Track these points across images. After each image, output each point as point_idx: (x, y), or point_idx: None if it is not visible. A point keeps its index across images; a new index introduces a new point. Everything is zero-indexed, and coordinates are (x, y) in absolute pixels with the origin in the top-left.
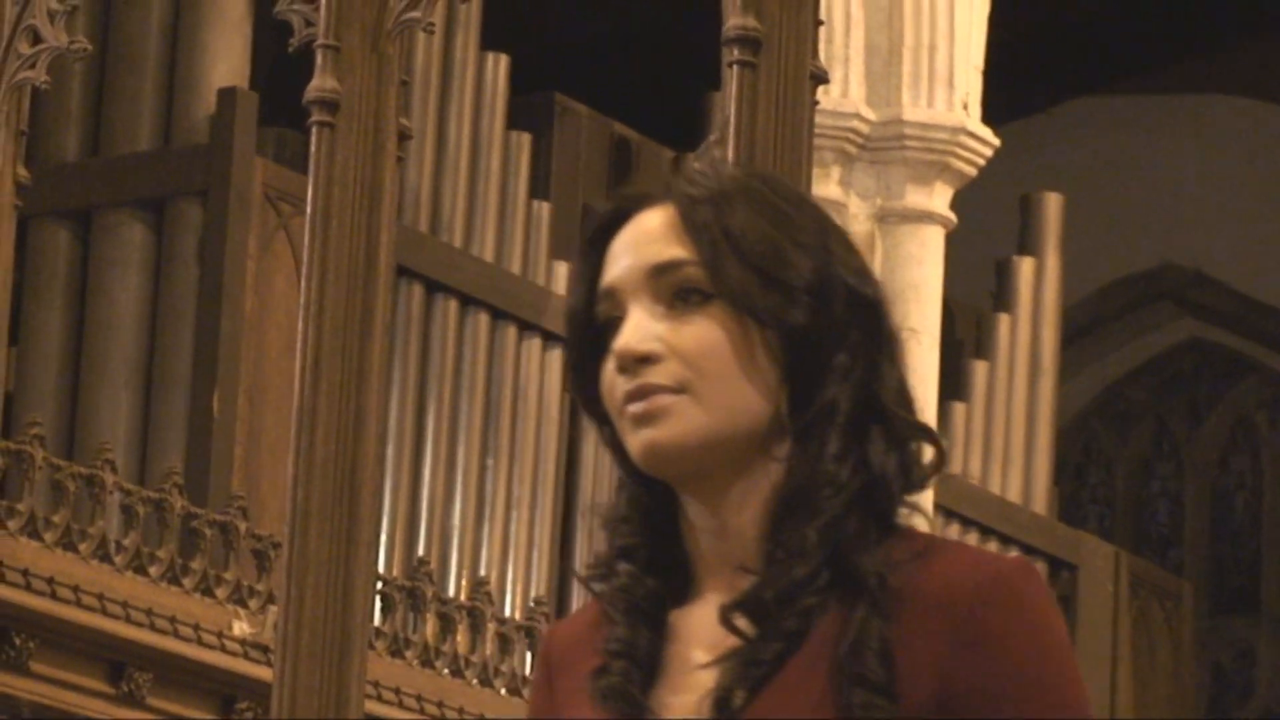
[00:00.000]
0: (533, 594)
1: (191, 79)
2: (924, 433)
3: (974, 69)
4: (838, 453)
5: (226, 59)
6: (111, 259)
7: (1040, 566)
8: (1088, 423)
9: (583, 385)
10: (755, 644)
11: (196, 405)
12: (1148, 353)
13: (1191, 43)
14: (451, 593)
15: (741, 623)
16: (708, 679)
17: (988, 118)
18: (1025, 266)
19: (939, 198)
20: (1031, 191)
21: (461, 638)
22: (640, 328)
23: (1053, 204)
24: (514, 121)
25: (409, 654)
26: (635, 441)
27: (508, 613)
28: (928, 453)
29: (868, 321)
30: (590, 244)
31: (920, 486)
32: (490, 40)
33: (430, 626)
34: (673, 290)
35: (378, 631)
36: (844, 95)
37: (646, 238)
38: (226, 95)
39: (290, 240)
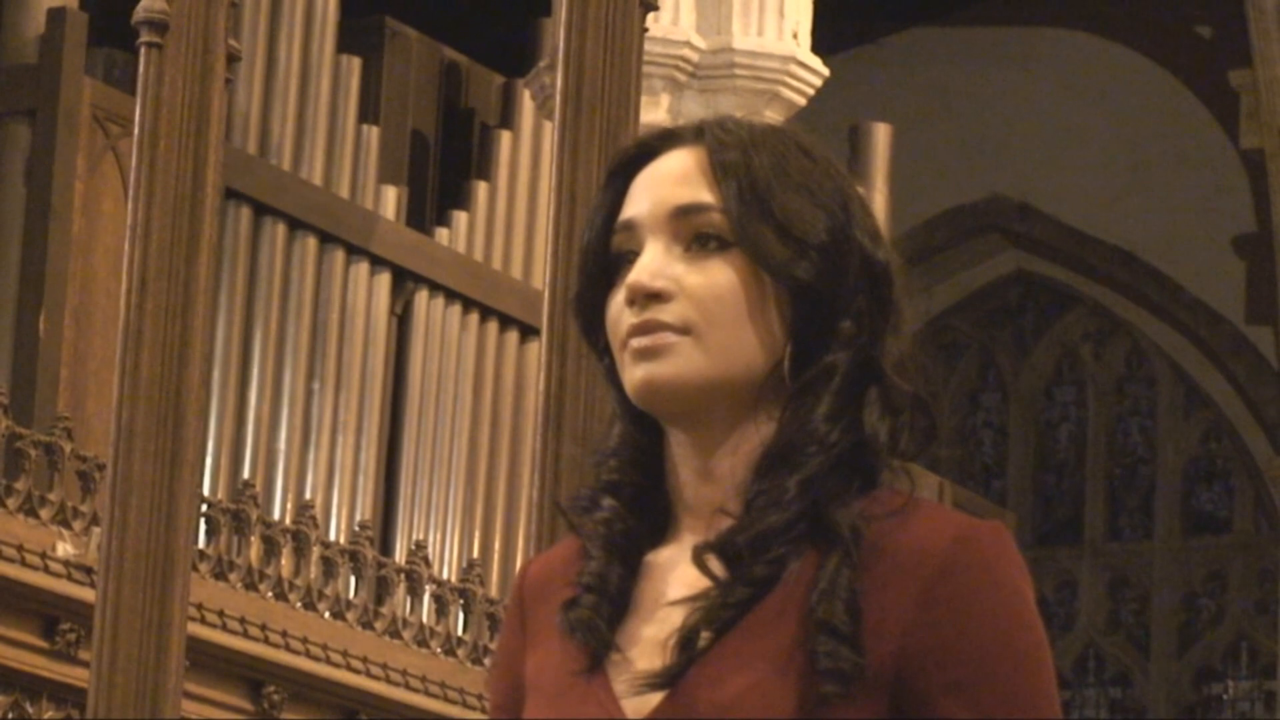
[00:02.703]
0: (358, 518)
1: None
2: (919, 405)
3: None
4: (829, 413)
5: None
6: None
7: None
8: (914, 353)
9: (586, 314)
10: (725, 587)
11: (23, 325)
12: (974, 284)
13: None
14: (276, 516)
15: (713, 564)
16: (677, 616)
17: (817, 47)
18: None
19: None
20: (860, 122)
21: (286, 561)
22: (655, 264)
23: (881, 135)
24: (344, 45)
25: (233, 576)
26: (633, 374)
27: (332, 536)
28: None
29: (877, 289)
30: (612, 175)
31: (908, 456)
32: None
33: (254, 549)
34: (693, 233)
35: (201, 554)
36: (674, 23)
37: (674, 178)
38: (56, 15)
39: (118, 161)
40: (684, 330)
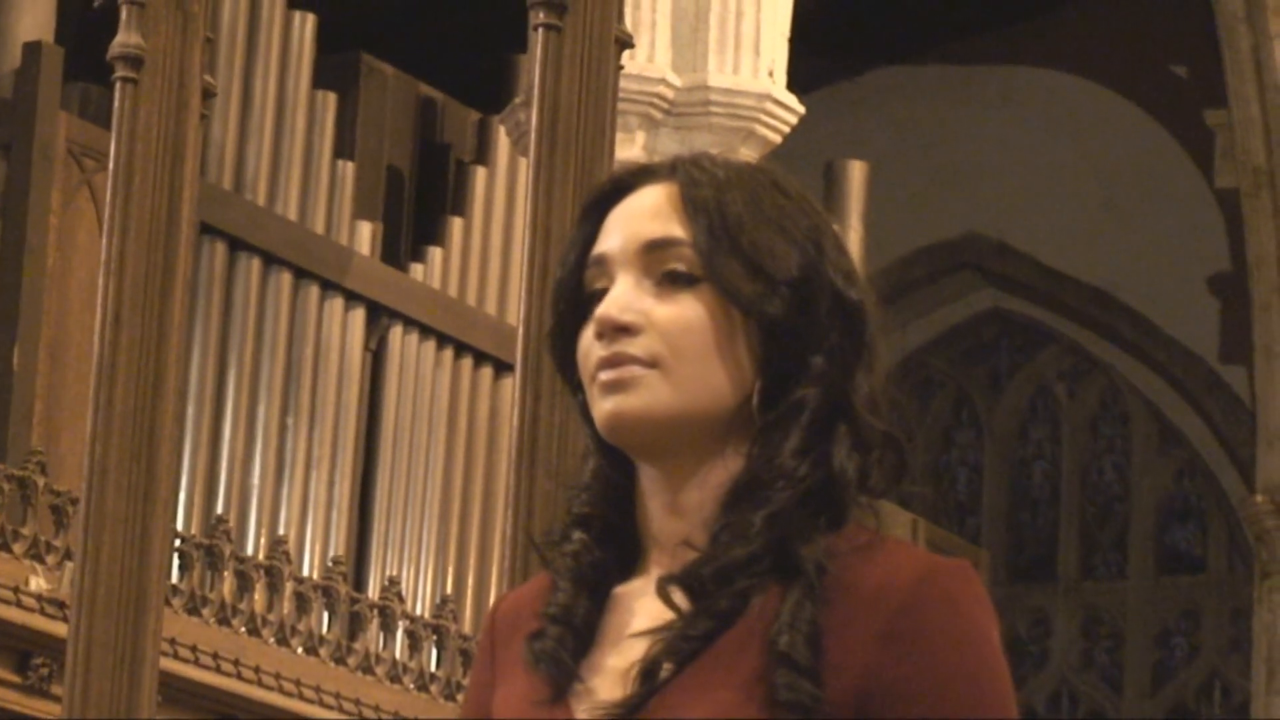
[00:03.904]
0: (331, 553)
1: None
2: (889, 442)
3: (780, 36)
4: (798, 449)
5: (32, 13)
6: None
7: None
8: (888, 391)
9: (561, 350)
10: (688, 619)
11: None
12: (949, 322)
13: (998, 13)
14: (250, 551)
15: (677, 596)
16: (640, 648)
17: (793, 85)
18: None
19: None
20: (836, 159)
21: (259, 596)
22: (624, 298)
23: (857, 172)
24: (320, 80)
25: (206, 612)
26: (601, 407)
27: (305, 572)
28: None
29: (849, 326)
30: (586, 212)
31: (877, 493)
32: None
33: (227, 584)
34: (663, 268)
35: (175, 589)
36: (650, 60)
37: (645, 213)
38: (31, 49)
39: (93, 196)
40: (652, 364)
